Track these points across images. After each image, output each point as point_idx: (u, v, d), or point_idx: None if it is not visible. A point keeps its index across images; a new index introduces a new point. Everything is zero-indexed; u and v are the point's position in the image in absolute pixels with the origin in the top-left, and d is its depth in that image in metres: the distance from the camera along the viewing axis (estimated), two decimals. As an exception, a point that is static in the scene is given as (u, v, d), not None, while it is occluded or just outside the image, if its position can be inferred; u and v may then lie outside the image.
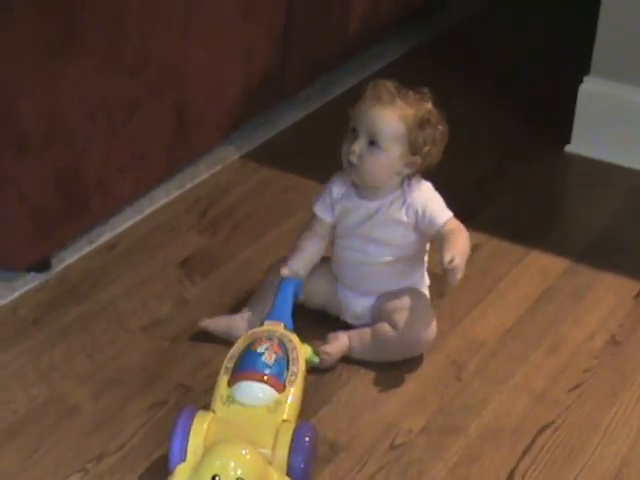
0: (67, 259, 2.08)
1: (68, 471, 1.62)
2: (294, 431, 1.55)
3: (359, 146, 1.77)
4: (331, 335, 1.84)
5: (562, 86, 2.58)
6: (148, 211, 2.24)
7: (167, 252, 2.12)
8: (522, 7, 3.27)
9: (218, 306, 1.97)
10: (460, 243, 1.76)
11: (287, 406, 1.60)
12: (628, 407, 1.78)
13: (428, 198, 1.81)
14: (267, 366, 1.62)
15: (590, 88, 2.45)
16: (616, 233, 2.24)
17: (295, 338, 1.70)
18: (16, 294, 1.99)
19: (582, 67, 2.45)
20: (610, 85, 2.42)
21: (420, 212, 1.80)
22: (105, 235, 2.15)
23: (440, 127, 1.80)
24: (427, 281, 1.91)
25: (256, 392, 1.60)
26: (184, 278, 2.05)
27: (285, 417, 1.59)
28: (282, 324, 1.72)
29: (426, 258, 1.90)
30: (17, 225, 1.94)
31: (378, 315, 1.85)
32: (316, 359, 1.74)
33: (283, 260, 1.85)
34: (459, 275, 1.73)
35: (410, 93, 1.79)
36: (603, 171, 2.45)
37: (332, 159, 2.43)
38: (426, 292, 1.90)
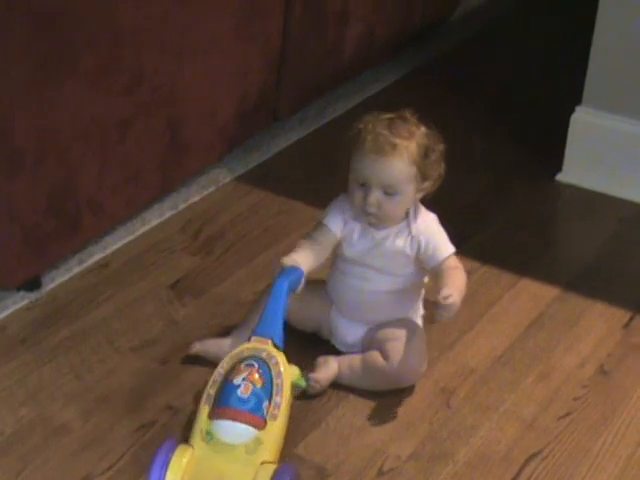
0: (58, 278, 2.08)
1: (55, 492, 1.62)
2: (273, 474, 1.53)
3: (375, 198, 1.76)
4: (321, 360, 1.83)
5: (555, 114, 2.59)
6: (140, 231, 2.23)
7: (159, 272, 2.12)
8: (517, 33, 3.29)
9: (209, 327, 1.97)
10: (458, 281, 1.78)
11: (266, 445, 1.57)
12: (617, 436, 1.78)
13: (433, 232, 1.82)
14: (242, 402, 1.58)
15: (582, 118, 2.46)
16: (606, 262, 2.24)
17: (282, 359, 1.65)
18: (5, 313, 1.98)
19: (575, 95, 2.46)
20: (601, 115, 2.43)
21: (423, 245, 1.80)
22: (97, 255, 2.15)
23: (437, 145, 1.80)
24: (421, 311, 1.91)
25: (234, 431, 1.57)
26: (175, 299, 2.05)
27: (265, 458, 1.56)
28: (270, 341, 1.66)
29: (423, 291, 1.90)
30: (8, 243, 1.94)
31: (369, 342, 1.84)
32: (303, 383, 1.71)
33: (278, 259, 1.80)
34: (452, 312, 1.73)
35: (398, 123, 1.77)
36: (593, 200, 2.45)
37: (325, 183, 2.44)
38: (420, 322, 1.89)
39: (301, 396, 1.77)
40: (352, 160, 1.78)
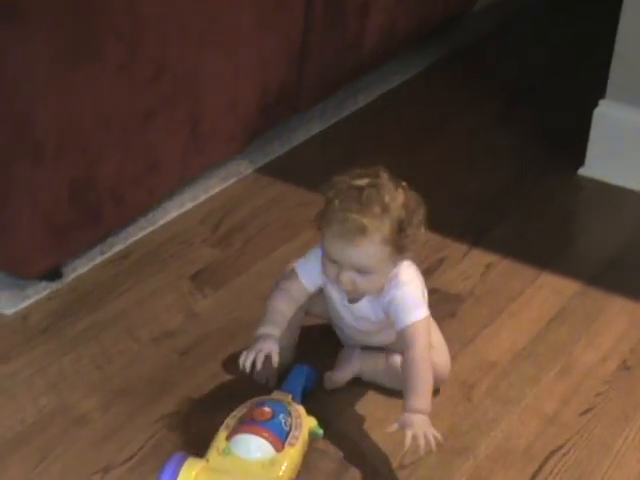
0: (79, 269, 2.08)
1: (74, 482, 1.62)
2: None
3: (348, 277, 1.63)
4: (344, 356, 1.81)
5: (577, 108, 2.58)
6: (161, 222, 2.23)
7: (179, 264, 2.12)
8: (540, 25, 3.27)
9: (229, 320, 1.97)
10: (421, 402, 1.61)
11: (282, 468, 1.55)
12: (639, 432, 1.77)
13: (403, 297, 1.67)
14: (264, 421, 1.58)
15: (605, 112, 2.44)
16: (629, 256, 2.23)
17: (301, 409, 1.66)
18: (27, 302, 1.98)
19: (599, 89, 2.45)
20: (625, 109, 2.41)
21: (392, 311, 1.68)
22: (117, 245, 2.15)
23: (416, 213, 1.64)
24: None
25: (254, 445, 1.56)
26: (195, 291, 2.04)
27: (280, 474, 1.55)
28: (290, 395, 1.69)
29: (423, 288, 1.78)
30: (30, 233, 1.94)
31: (392, 345, 1.77)
32: (320, 432, 1.68)
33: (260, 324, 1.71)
34: (423, 446, 1.59)
35: (371, 194, 1.60)
36: (616, 195, 2.44)
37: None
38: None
39: (320, 389, 1.77)
40: (322, 233, 1.64)
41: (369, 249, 1.60)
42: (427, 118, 2.71)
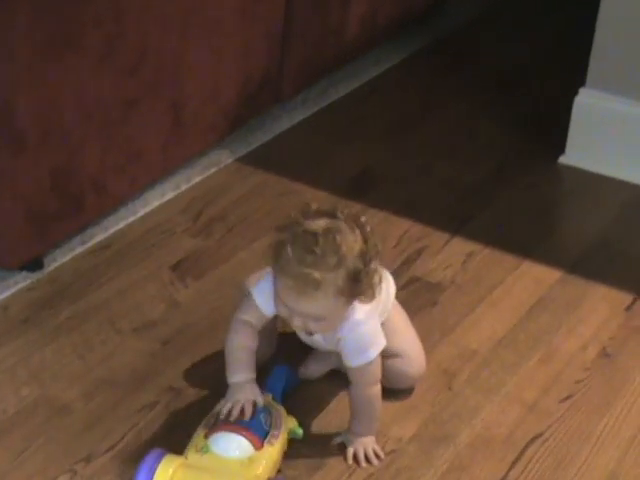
0: (59, 259, 2.07)
1: (57, 471, 1.62)
2: None
3: (300, 321, 1.58)
4: (316, 354, 1.79)
5: (560, 96, 2.58)
6: (142, 212, 2.23)
7: (160, 254, 2.12)
8: (521, 14, 3.28)
9: (210, 309, 1.97)
10: (364, 429, 1.66)
11: (261, 466, 1.55)
12: (619, 419, 1.78)
13: (354, 337, 1.61)
14: (243, 421, 1.58)
15: (585, 100, 2.45)
16: (609, 244, 2.24)
17: (281, 409, 1.66)
18: (7, 293, 1.98)
19: (579, 77, 2.46)
20: (605, 97, 2.42)
21: (342, 346, 1.63)
22: (98, 235, 2.15)
23: (373, 259, 1.56)
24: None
25: (232, 443, 1.55)
26: (177, 280, 2.04)
27: (259, 472, 1.55)
28: (271, 395, 1.69)
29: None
30: (11, 223, 1.94)
31: None
32: (299, 431, 1.68)
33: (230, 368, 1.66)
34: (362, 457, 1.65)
35: (327, 242, 1.51)
36: (596, 183, 2.45)
37: (327, 165, 2.45)
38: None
39: (300, 388, 1.78)
40: (274, 274, 1.58)
41: (322, 302, 1.53)
42: (409, 106, 2.72)
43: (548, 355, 1.91)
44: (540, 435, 1.74)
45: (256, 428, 1.58)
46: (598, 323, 2.00)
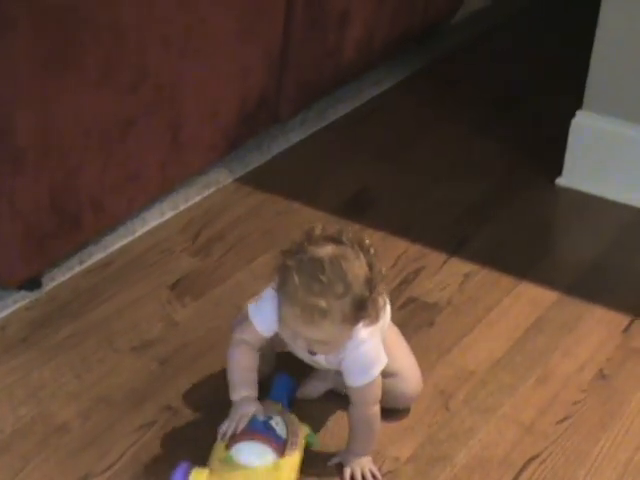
0: (58, 278, 2.08)
1: (54, 491, 1.62)
2: None
3: (305, 343, 1.59)
4: (315, 374, 1.80)
5: (556, 118, 2.59)
6: (141, 231, 2.23)
7: (159, 273, 2.12)
8: (519, 36, 3.29)
9: (208, 329, 1.97)
10: (362, 448, 1.67)
11: (285, 472, 1.57)
12: (615, 441, 1.78)
13: (355, 358, 1.62)
14: (264, 429, 1.59)
15: (582, 122, 2.46)
16: (605, 266, 2.24)
17: (294, 416, 1.68)
18: (6, 312, 1.98)
19: (576, 99, 2.47)
20: (602, 119, 2.43)
21: (343, 366, 1.64)
22: (97, 254, 2.15)
23: (379, 285, 1.57)
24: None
25: (255, 451, 1.57)
26: (175, 300, 2.05)
27: (285, 477, 1.57)
28: (280, 404, 1.70)
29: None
30: (9, 242, 1.94)
31: None
32: (314, 439, 1.69)
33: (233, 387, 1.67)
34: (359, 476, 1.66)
35: (334, 269, 1.52)
36: (593, 205, 2.45)
37: (325, 185, 2.46)
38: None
39: (298, 400, 1.79)
40: (279, 299, 1.58)
41: (329, 329, 1.54)
42: (407, 127, 2.73)
43: (545, 376, 1.91)
44: (537, 456, 1.74)
45: (276, 435, 1.60)
46: (595, 345, 2.00)
